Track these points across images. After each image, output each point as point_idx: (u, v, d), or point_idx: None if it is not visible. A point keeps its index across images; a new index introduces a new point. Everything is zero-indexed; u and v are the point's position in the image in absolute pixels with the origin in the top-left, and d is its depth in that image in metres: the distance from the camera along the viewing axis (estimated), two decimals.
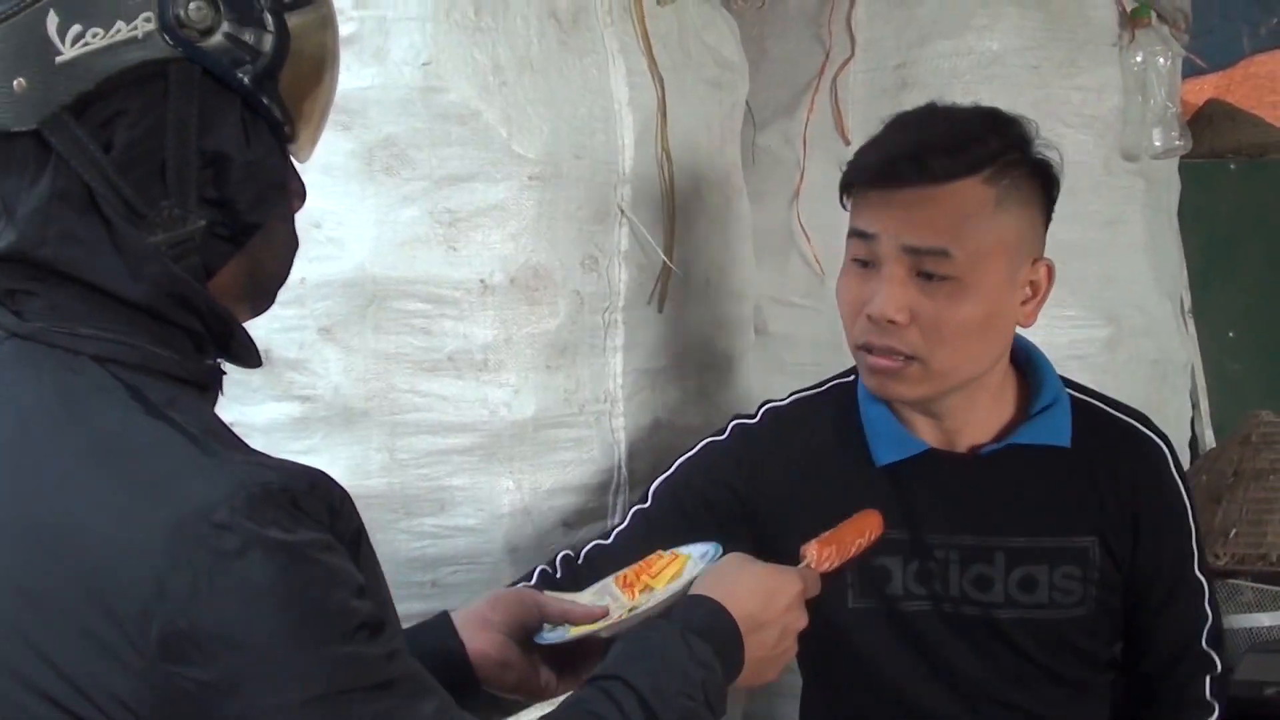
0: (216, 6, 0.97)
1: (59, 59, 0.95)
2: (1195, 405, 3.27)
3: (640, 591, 1.33)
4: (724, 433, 1.69)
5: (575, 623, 1.33)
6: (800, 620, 1.29)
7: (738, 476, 1.64)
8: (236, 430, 1.70)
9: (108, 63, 0.95)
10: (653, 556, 1.38)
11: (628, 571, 1.37)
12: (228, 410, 1.72)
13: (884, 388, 1.55)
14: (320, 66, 1.06)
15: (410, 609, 1.66)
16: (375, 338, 1.74)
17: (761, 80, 2.38)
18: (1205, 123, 3.85)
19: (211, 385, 1.06)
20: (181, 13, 0.96)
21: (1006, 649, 1.61)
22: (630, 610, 1.31)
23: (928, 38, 2.43)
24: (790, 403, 1.71)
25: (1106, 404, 1.67)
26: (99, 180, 0.96)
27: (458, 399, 1.76)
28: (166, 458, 0.91)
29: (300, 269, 1.69)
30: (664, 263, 1.93)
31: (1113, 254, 2.58)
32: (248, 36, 0.99)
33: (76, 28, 0.94)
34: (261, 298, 1.11)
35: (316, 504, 0.93)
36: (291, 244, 1.11)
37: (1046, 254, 2.44)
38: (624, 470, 1.90)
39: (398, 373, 1.75)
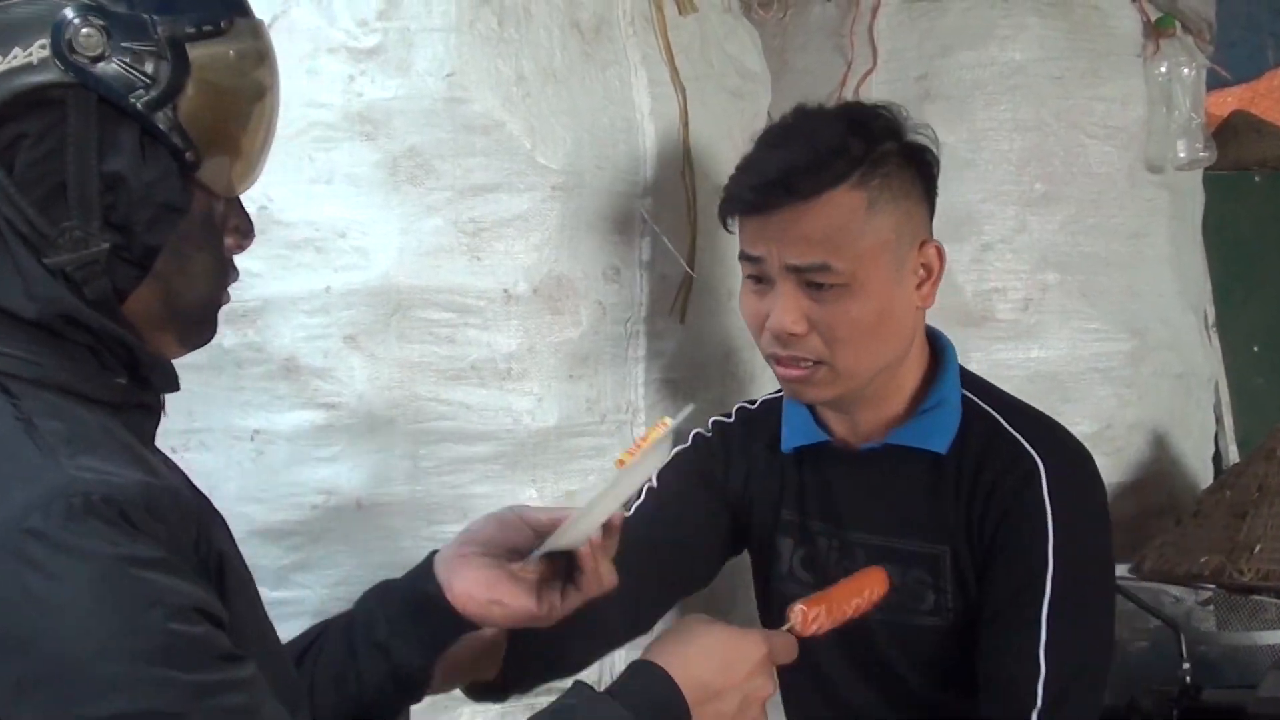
0: (108, 34, 0.99)
1: None
2: (1219, 420, 3.25)
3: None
4: (708, 430, 1.80)
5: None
6: (765, 688, 1.23)
7: (716, 466, 1.75)
8: (261, 438, 1.74)
9: (5, 87, 0.98)
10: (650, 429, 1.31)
11: (625, 454, 1.28)
12: (254, 418, 1.74)
13: (798, 394, 1.62)
14: (235, 98, 1.07)
15: None
16: (400, 346, 1.75)
17: (783, 91, 2.38)
18: (1230, 134, 3.84)
19: (127, 405, 1.06)
20: (73, 39, 0.98)
21: (871, 651, 1.62)
22: (612, 483, 1.23)
23: (950, 48, 2.44)
24: (759, 404, 1.81)
25: (1008, 414, 1.62)
26: (2, 201, 0.99)
27: (481, 407, 1.77)
28: (8, 464, 0.92)
29: (325, 278, 1.74)
30: (686, 273, 1.93)
31: (1137, 266, 2.58)
32: (142, 63, 1.01)
33: None
34: (187, 327, 1.11)
35: (150, 520, 0.92)
36: (219, 276, 1.11)
37: (1070, 265, 2.48)
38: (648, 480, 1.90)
39: (422, 381, 1.75)
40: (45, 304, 1.00)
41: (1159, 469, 2.66)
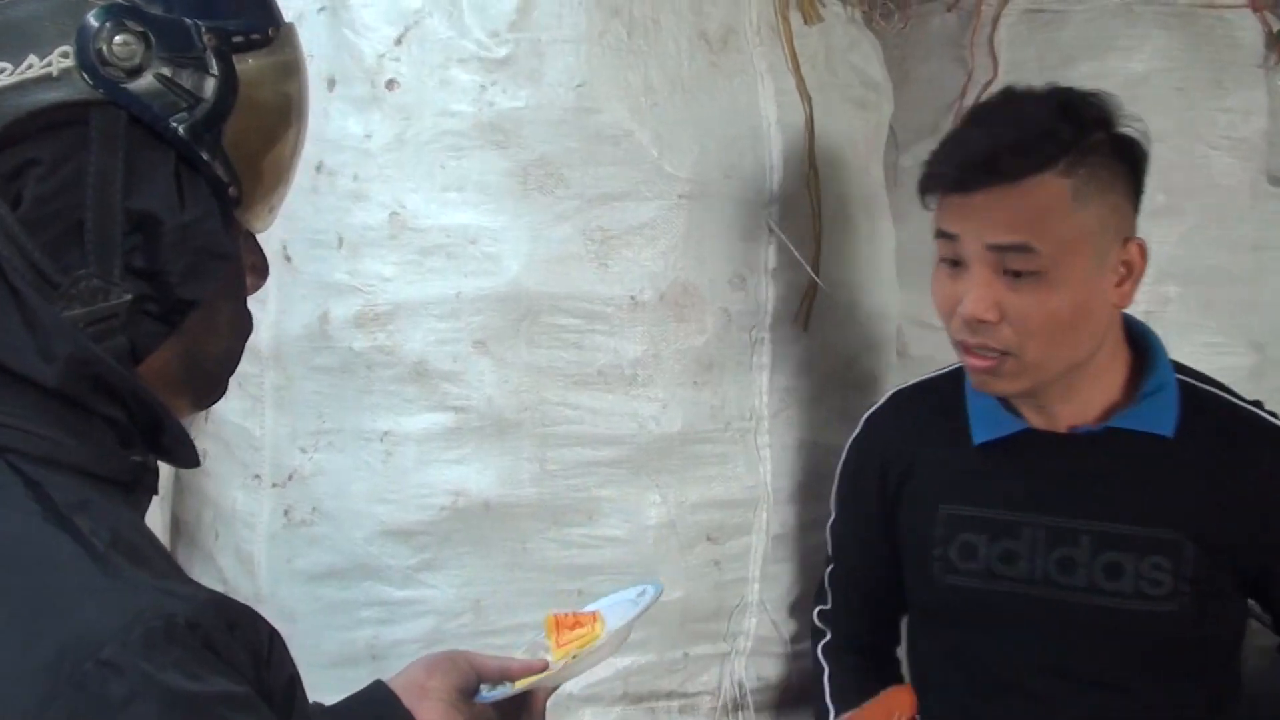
0: (147, 42, 0.84)
1: None
2: None
3: (575, 642, 1.33)
4: (858, 427, 1.80)
5: (515, 678, 1.31)
6: None
7: (875, 459, 1.76)
8: (390, 439, 1.78)
9: (16, 103, 0.82)
10: (585, 614, 1.36)
11: (559, 622, 1.36)
12: (384, 420, 1.78)
13: (984, 385, 1.58)
14: (279, 120, 0.93)
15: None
16: (528, 351, 1.77)
17: (904, 101, 2.38)
18: None
19: (138, 485, 0.89)
20: (104, 48, 0.83)
21: (1084, 637, 1.59)
22: (574, 657, 1.31)
23: (1071, 59, 2.41)
24: (912, 385, 1.80)
25: (1236, 395, 1.63)
26: (3, 241, 0.82)
27: (608, 412, 1.79)
28: (59, 576, 0.75)
29: (455, 283, 1.77)
30: (809, 282, 1.93)
31: (1258, 280, 2.53)
32: (185, 79, 0.86)
33: None
34: (204, 388, 0.96)
35: (235, 646, 0.78)
36: (241, 327, 0.96)
37: (1191, 278, 2.45)
38: (769, 487, 1.91)
39: (549, 385, 1.78)
40: (70, 365, 0.82)
41: None
